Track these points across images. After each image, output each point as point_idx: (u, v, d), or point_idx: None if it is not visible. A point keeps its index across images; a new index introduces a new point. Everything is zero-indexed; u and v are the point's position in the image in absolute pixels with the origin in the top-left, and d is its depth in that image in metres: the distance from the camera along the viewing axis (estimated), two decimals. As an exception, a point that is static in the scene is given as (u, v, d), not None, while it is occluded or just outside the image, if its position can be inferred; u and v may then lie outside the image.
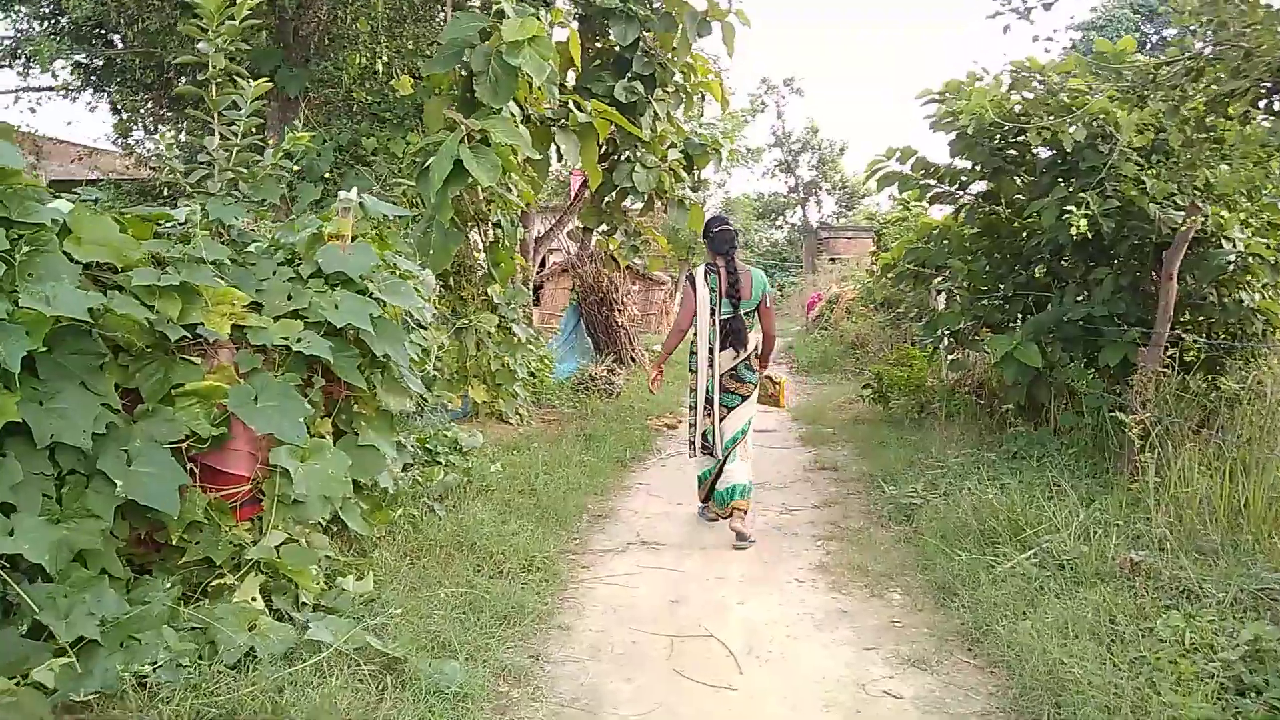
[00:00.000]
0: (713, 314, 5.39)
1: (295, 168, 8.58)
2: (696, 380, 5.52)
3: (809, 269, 39.58)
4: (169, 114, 11.25)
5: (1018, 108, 7.09)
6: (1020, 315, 7.72)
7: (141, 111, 12.16)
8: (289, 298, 4.13)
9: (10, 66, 11.06)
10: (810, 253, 41.91)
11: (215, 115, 4.44)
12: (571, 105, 8.86)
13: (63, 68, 10.66)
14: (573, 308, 13.87)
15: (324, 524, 4.14)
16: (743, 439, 5.41)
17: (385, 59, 9.23)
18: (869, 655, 3.62)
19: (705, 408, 5.43)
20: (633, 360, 13.70)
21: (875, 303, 16.00)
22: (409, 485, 5.27)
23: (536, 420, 8.57)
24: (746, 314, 5.43)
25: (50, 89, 14.61)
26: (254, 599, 3.59)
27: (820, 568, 4.69)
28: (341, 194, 4.56)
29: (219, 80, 4.43)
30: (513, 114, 7.68)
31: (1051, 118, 6.03)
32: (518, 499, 5.46)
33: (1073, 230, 5.75)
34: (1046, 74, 6.69)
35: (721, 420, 5.39)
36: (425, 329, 7.19)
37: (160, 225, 4.12)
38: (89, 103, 12.40)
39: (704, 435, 5.42)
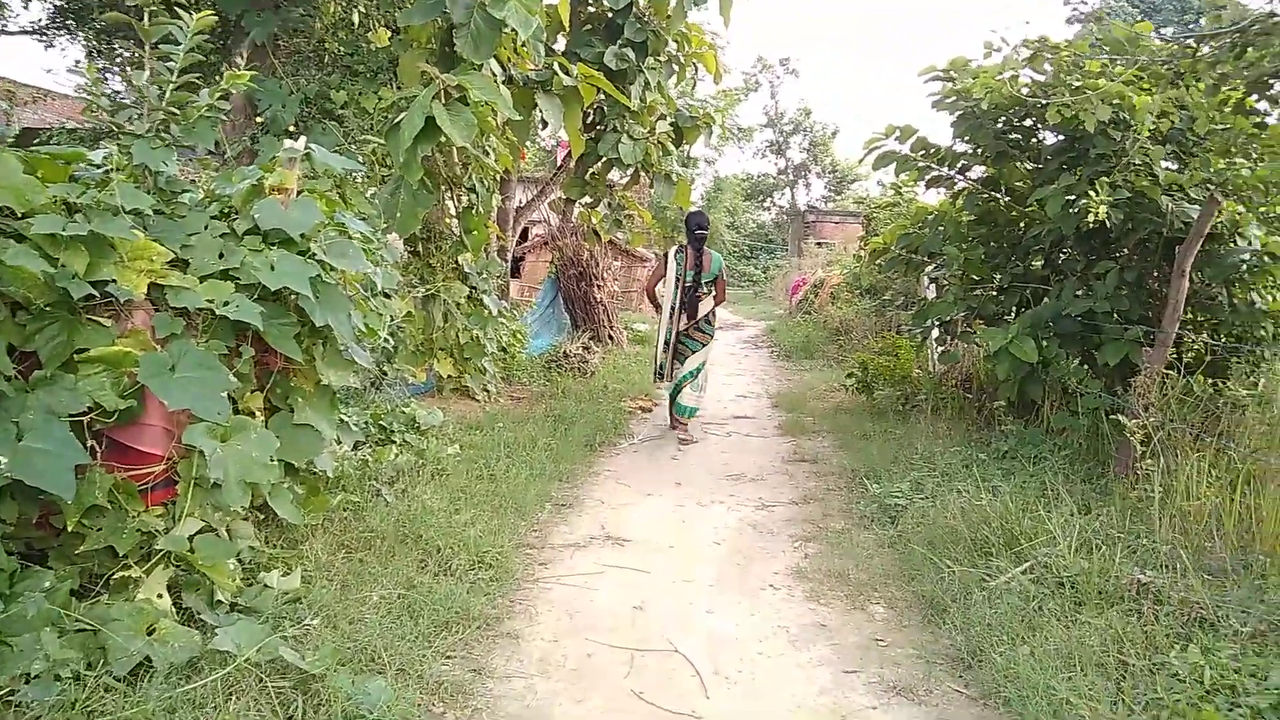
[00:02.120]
0: (678, 281, 7.52)
1: (259, 119, 8.15)
2: (659, 328, 7.64)
3: (795, 252, 39.18)
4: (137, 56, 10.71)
5: (1025, 90, 6.71)
6: (1016, 308, 7.37)
7: (116, 58, 11.60)
8: (220, 256, 3.70)
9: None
10: (797, 236, 41.50)
11: (147, 48, 3.97)
12: (556, 67, 8.39)
13: (42, 8, 10.07)
14: (550, 281, 13.43)
15: (249, 511, 3.74)
16: (693, 379, 7.57)
17: (362, 8, 8.71)
18: (849, 680, 3.25)
19: (664, 348, 7.60)
20: (610, 338, 13.30)
21: (861, 289, 15.65)
22: (357, 466, 4.86)
23: (505, 398, 8.16)
24: (705, 283, 7.55)
25: (28, 32, 13.97)
26: (160, 596, 3.19)
27: (798, 573, 4.32)
28: (287, 143, 4.12)
29: (153, 8, 3.96)
30: (493, 72, 7.22)
31: (1069, 98, 5.61)
32: (475, 485, 5.06)
33: (1090, 217, 5.38)
34: (1060, 53, 6.29)
35: (681, 360, 7.57)
36: (388, 297, 6.78)
37: (79, 169, 3.68)
38: (62, 48, 11.83)
39: (661, 366, 7.62)
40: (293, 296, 3.71)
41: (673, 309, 7.51)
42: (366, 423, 5.55)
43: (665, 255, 7.71)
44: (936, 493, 5.28)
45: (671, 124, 11.82)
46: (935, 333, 7.85)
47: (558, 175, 12.46)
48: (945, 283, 7.74)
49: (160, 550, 3.22)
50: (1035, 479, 5.40)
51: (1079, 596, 3.64)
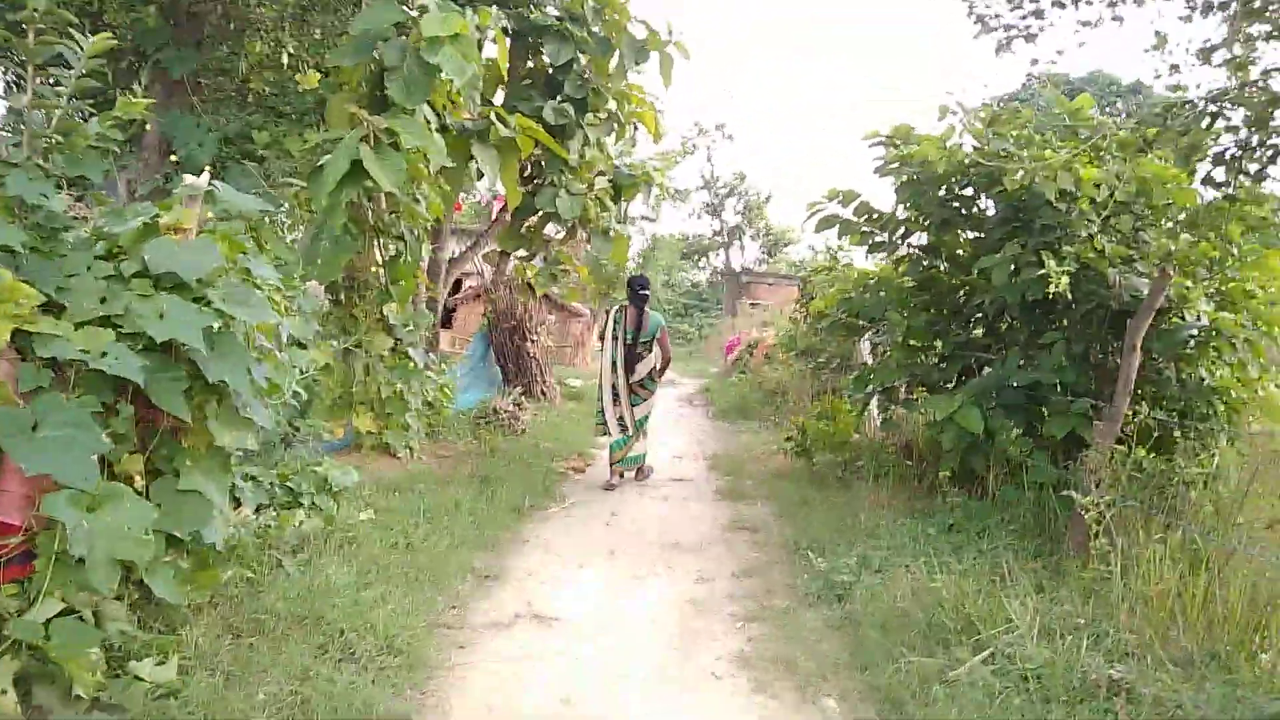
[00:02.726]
0: (615, 338, 7.92)
1: (174, 158, 7.70)
2: (603, 383, 7.97)
3: (730, 312, 39.37)
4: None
5: (966, 160, 6.66)
6: (958, 376, 7.24)
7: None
8: (102, 301, 3.28)
9: None
10: (731, 296, 41.76)
11: (30, 68, 3.57)
12: (494, 118, 8.14)
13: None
14: (481, 334, 13.04)
15: (123, 588, 3.27)
16: (642, 428, 8.06)
17: (290, 49, 8.36)
18: (801, 793, 2.91)
19: (614, 401, 7.90)
20: (543, 394, 12.92)
21: (797, 350, 15.58)
22: (257, 533, 4.39)
23: (429, 456, 7.70)
24: (644, 342, 7.92)
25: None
26: (4, 692, 2.71)
27: (741, 660, 3.97)
28: (187, 178, 3.73)
29: (41, 26, 3.56)
30: (427, 119, 6.93)
31: (1030, 165, 5.53)
32: (388, 555, 4.62)
33: (1052, 288, 5.25)
34: (1019, 118, 6.26)
35: (630, 410, 7.92)
36: (303, 347, 6.34)
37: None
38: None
39: (619, 421, 7.89)
40: (184, 348, 3.30)
41: (614, 365, 7.88)
42: (272, 484, 5.07)
43: (608, 313, 8.12)
44: (884, 568, 5.01)
45: (610, 181, 11.68)
46: (875, 399, 7.66)
47: (493, 227, 12.17)
48: (886, 348, 7.58)
49: (8, 638, 2.75)
50: (986, 556, 5.17)
51: (1045, 692, 3.36)
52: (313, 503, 5.14)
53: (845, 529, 6.06)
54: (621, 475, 8.02)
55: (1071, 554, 5.23)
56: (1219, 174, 5.05)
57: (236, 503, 4.78)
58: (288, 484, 5.19)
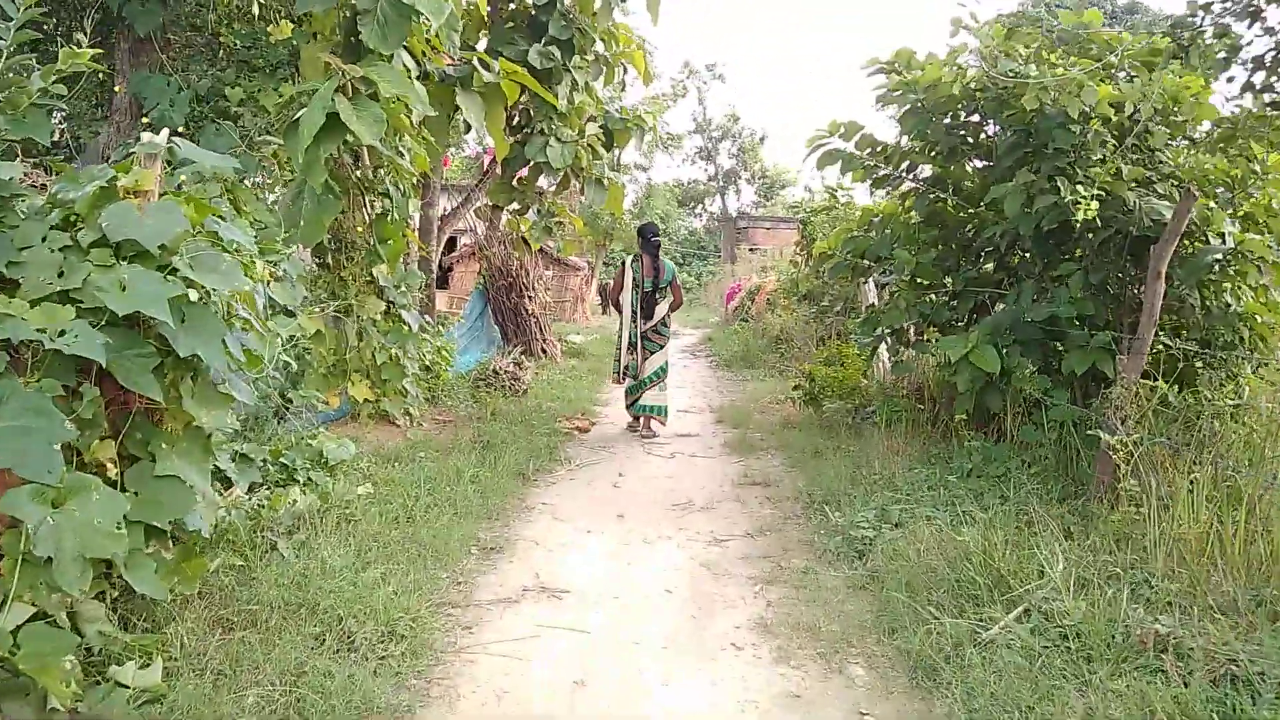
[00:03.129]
0: (636, 287, 8.20)
1: (145, 120, 7.36)
2: (622, 330, 8.29)
3: (728, 258, 38.98)
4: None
5: (971, 84, 6.34)
6: (970, 314, 6.99)
7: None
8: (60, 274, 3.02)
9: None
10: (729, 242, 41.32)
11: (-37, 22, 3.27)
12: (476, 63, 7.78)
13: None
14: (478, 293, 12.77)
15: (103, 582, 3.06)
16: (660, 378, 8.24)
17: (261, 0, 7.96)
18: (835, 771, 2.72)
19: (629, 349, 8.20)
20: (543, 352, 12.69)
21: (799, 295, 15.30)
22: (250, 515, 4.18)
23: (429, 421, 7.49)
24: (659, 289, 8.25)
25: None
26: (-29, 707, 2.51)
27: (762, 626, 3.78)
28: (145, 136, 3.45)
29: (-28, -23, 3.26)
30: (406, 66, 6.58)
31: (1037, 84, 5.21)
32: (389, 531, 4.41)
33: (1080, 215, 4.97)
34: (1024, 38, 5.92)
35: (644, 360, 8.18)
36: (290, 315, 6.08)
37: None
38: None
39: (627, 367, 8.22)
40: (153, 322, 3.05)
41: (633, 313, 8.17)
42: (264, 461, 4.85)
43: (623, 264, 8.47)
44: (904, 521, 4.81)
45: (601, 126, 11.31)
46: (885, 342, 7.41)
47: (483, 181, 11.83)
48: (893, 288, 7.32)
49: (-27, 648, 2.54)
50: (1009, 502, 4.97)
51: (1087, 650, 3.16)
52: (308, 479, 4.94)
53: (860, 479, 5.86)
54: (637, 420, 8.34)
55: (1099, 496, 5.03)
56: (1258, 79, 4.71)
57: (227, 483, 4.58)
58: (281, 460, 4.98)
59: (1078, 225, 5.64)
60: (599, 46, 10.52)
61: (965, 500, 5.11)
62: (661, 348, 8.27)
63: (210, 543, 3.58)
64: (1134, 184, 5.60)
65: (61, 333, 2.81)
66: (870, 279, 8.36)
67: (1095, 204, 4.97)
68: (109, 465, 3.05)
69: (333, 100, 5.80)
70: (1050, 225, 5.81)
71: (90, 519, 2.66)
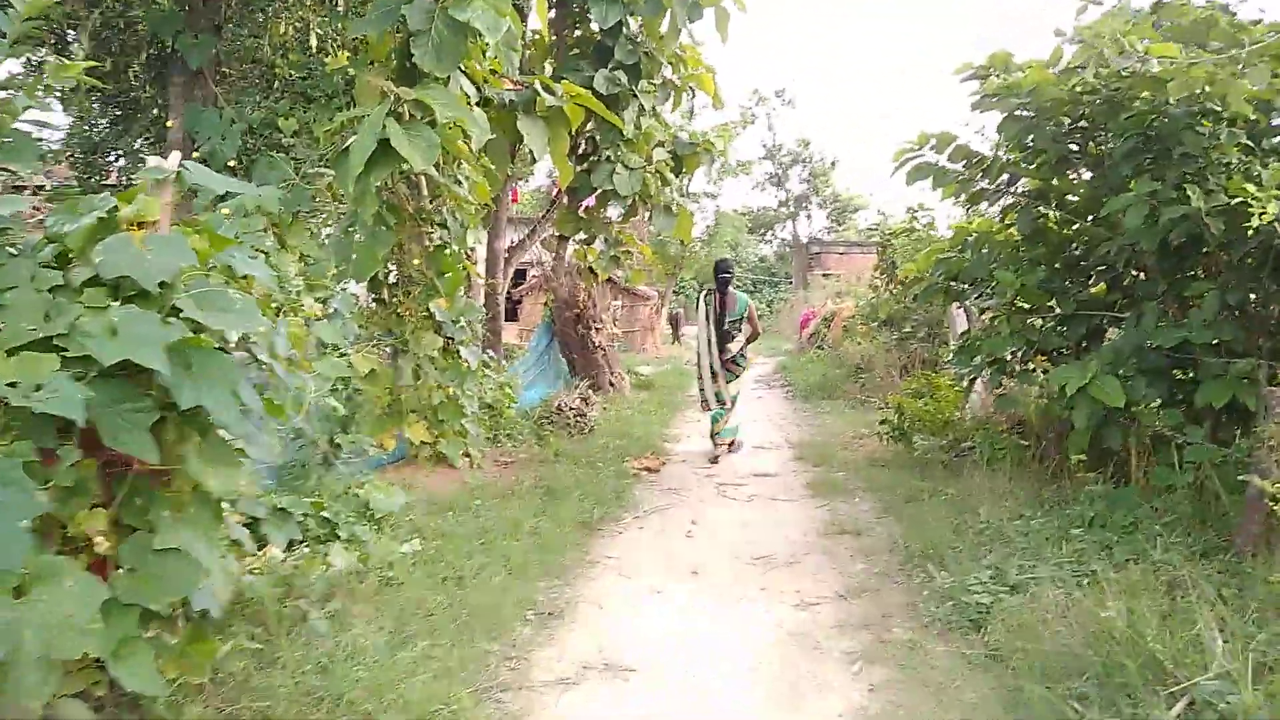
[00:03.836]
0: (708, 319, 8.47)
1: (196, 155, 7.15)
2: (700, 362, 8.58)
3: (800, 284, 38.28)
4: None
5: (1091, 83, 5.70)
6: (1081, 341, 6.28)
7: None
8: (46, 318, 2.64)
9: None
10: (801, 268, 40.65)
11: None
12: (539, 87, 7.42)
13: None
14: (544, 325, 12.40)
15: (92, 678, 2.63)
16: (733, 405, 8.58)
17: (319, 31, 7.74)
18: None
19: (712, 378, 8.46)
20: (611, 385, 12.23)
21: (879, 320, 14.58)
22: (277, 581, 3.75)
23: (489, 464, 7.05)
24: (732, 321, 8.43)
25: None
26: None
27: (863, 717, 3.18)
28: (152, 160, 3.07)
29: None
30: (464, 91, 6.23)
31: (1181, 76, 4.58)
32: (434, 596, 3.94)
33: (1254, 221, 4.30)
34: (1176, 14, 5.27)
35: (725, 385, 8.46)
36: (341, 354, 5.73)
37: None
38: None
39: (716, 395, 8.48)
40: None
41: (709, 345, 8.47)
42: (305, 515, 4.44)
43: (698, 298, 8.85)
44: (1023, 583, 4.15)
45: (670, 152, 10.92)
46: (987, 371, 6.72)
47: (550, 212, 11.50)
48: (997, 312, 6.64)
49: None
50: (1146, 559, 4.29)
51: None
52: (351, 534, 4.51)
53: (965, 529, 5.20)
54: (718, 445, 8.54)
55: (1250, 551, 4.32)
56: None
57: (262, 542, 4.18)
58: (323, 514, 4.56)
59: (1213, 238, 4.96)
60: (667, 71, 10.16)
61: (1092, 556, 4.44)
62: (736, 377, 8.59)
63: (226, 621, 3.14)
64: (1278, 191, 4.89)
65: (38, 387, 2.41)
66: (960, 304, 7.68)
67: (1275, 205, 4.26)
68: (99, 540, 2.64)
69: (384, 126, 5.47)
70: (1179, 239, 5.13)
71: (59, 611, 2.24)
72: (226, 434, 2.91)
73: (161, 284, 2.72)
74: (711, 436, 8.61)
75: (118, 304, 2.66)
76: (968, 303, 8.15)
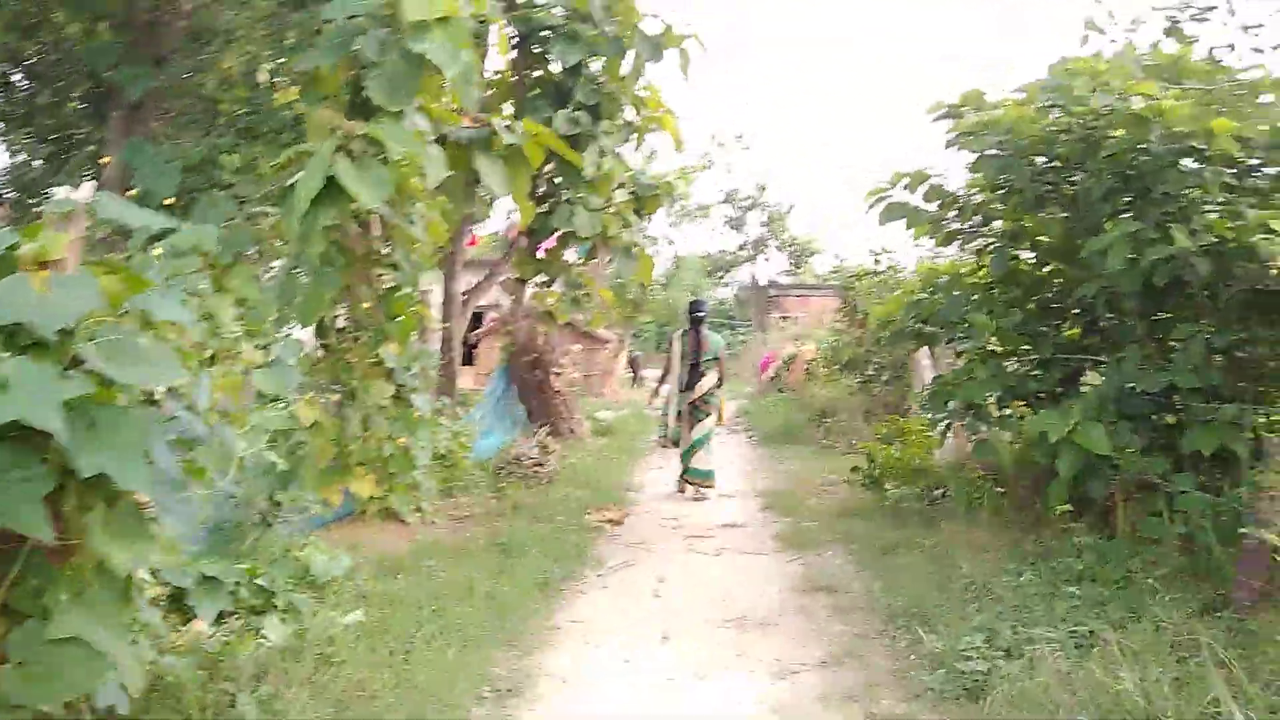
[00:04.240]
0: (683, 359, 8.65)
1: (131, 192, 6.77)
2: (670, 401, 8.82)
3: (759, 327, 38.30)
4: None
5: (1052, 125, 5.60)
6: (1060, 385, 6.11)
7: None
8: (-79, 371, 2.27)
9: None
10: (760, 311, 40.71)
11: None
12: (497, 124, 7.17)
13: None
14: (501, 370, 12.03)
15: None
16: (706, 443, 8.57)
17: (268, 66, 7.43)
18: None
19: (677, 418, 8.69)
20: (571, 431, 11.87)
21: (841, 364, 14.43)
22: (202, 663, 3.35)
23: (442, 519, 6.66)
24: (705, 361, 8.63)
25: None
26: None
27: (861, 812, 2.86)
28: (58, 192, 2.72)
29: None
30: (420, 129, 5.95)
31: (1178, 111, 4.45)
32: (378, 675, 3.55)
33: (1273, 249, 4.14)
34: (1109, 78, 5.17)
35: (690, 429, 8.55)
36: (287, 405, 5.36)
37: None
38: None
39: (672, 434, 8.79)
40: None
41: (680, 384, 8.64)
42: (237, 583, 4.04)
43: (671, 339, 9.05)
44: (1019, 645, 3.87)
45: (631, 193, 10.75)
46: (963, 417, 6.50)
47: (509, 254, 11.24)
48: (970, 356, 6.45)
49: None
50: (1143, 616, 4.05)
51: None
52: (288, 604, 4.11)
53: (947, 585, 4.93)
54: (689, 486, 8.65)
55: (1248, 606, 4.12)
56: None
57: (189, 615, 3.79)
58: (258, 580, 4.16)
59: (1199, 280, 4.82)
60: (628, 112, 10.02)
61: (1087, 614, 4.19)
62: (708, 415, 8.62)
63: (137, 712, 2.74)
64: (1264, 230, 4.76)
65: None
66: (938, 346, 7.49)
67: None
68: (-21, 628, 2.25)
69: (333, 161, 5.15)
70: (1162, 281, 4.97)
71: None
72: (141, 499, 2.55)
73: (62, 331, 2.38)
74: (680, 476, 8.72)
75: (8, 355, 2.30)
76: (933, 347, 7.98)
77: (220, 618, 3.91)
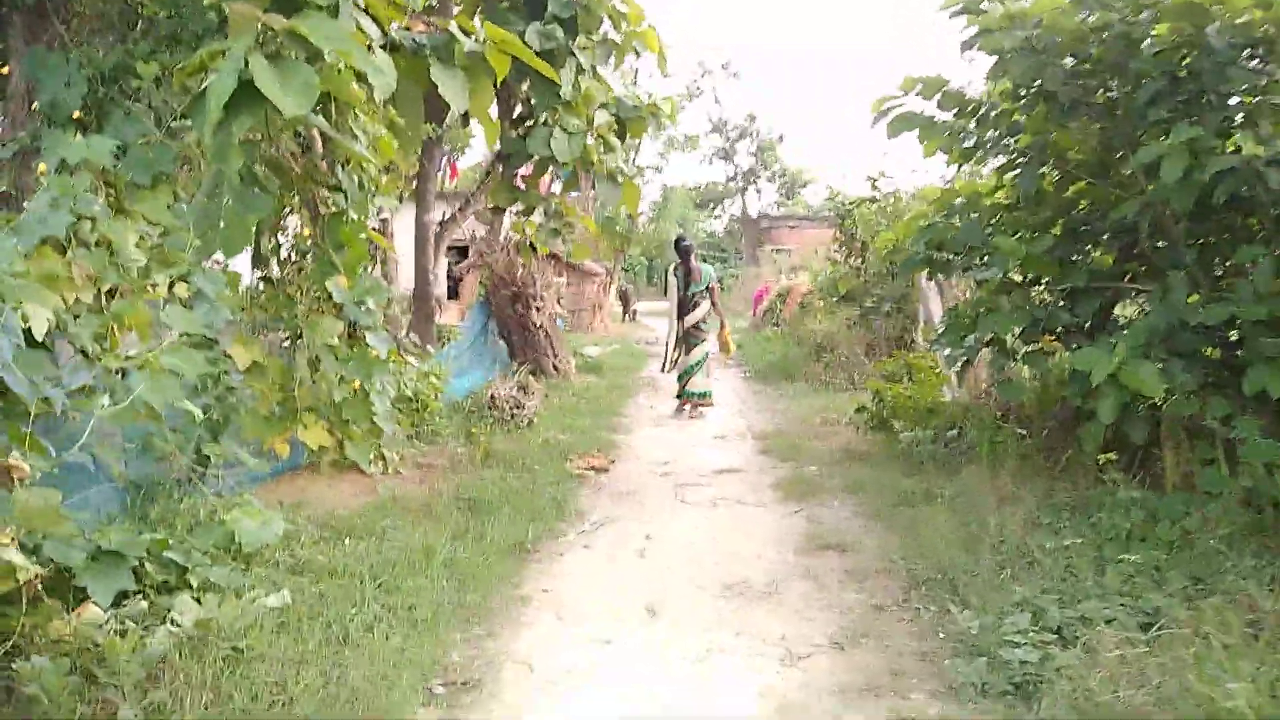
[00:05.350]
0: (678, 290, 9.30)
1: (34, 106, 5.96)
2: (669, 330, 9.48)
3: (751, 260, 37.51)
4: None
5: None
6: (1093, 318, 5.45)
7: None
8: None
9: None
10: (751, 244, 39.87)
11: None
12: (455, 28, 6.37)
13: None
14: (480, 305, 11.33)
15: None
16: (703, 364, 9.24)
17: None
18: None
19: (676, 345, 9.37)
20: (555, 369, 11.21)
21: (839, 296, 13.73)
22: (82, 659, 2.71)
23: (409, 468, 6.02)
24: (698, 291, 9.29)
25: None
26: None
27: None
28: None
29: None
30: (361, 27, 5.15)
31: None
32: (302, 672, 2.92)
33: None
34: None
35: (688, 353, 9.24)
36: (212, 344, 4.70)
37: None
38: None
39: (675, 362, 9.42)
40: None
41: (678, 313, 9.28)
42: (140, 560, 3.38)
43: (666, 271, 9.89)
44: (1070, 626, 3.27)
45: (613, 115, 9.93)
46: (984, 352, 5.84)
47: (485, 182, 10.43)
48: (989, 286, 5.77)
49: None
50: (1211, 585, 3.46)
51: None
52: (205, 581, 3.47)
53: (975, 545, 4.32)
54: (684, 406, 9.32)
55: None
56: None
57: (82, 597, 3.15)
58: (167, 555, 3.50)
59: (1269, 194, 4.12)
60: (606, 27, 9.16)
61: (1146, 583, 3.58)
62: (703, 341, 9.23)
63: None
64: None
65: None
66: (952, 275, 6.80)
67: None
68: None
69: (248, 62, 4.36)
70: (1223, 197, 4.26)
71: None
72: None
73: None
74: (678, 395, 9.37)
75: None
76: (947, 276, 7.27)
77: (122, 598, 3.27)
